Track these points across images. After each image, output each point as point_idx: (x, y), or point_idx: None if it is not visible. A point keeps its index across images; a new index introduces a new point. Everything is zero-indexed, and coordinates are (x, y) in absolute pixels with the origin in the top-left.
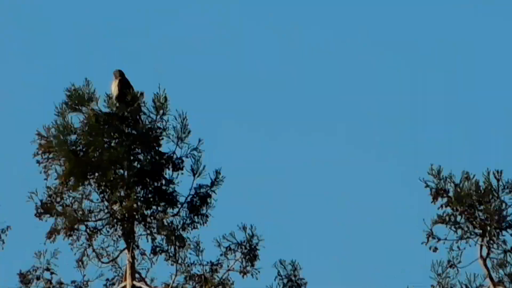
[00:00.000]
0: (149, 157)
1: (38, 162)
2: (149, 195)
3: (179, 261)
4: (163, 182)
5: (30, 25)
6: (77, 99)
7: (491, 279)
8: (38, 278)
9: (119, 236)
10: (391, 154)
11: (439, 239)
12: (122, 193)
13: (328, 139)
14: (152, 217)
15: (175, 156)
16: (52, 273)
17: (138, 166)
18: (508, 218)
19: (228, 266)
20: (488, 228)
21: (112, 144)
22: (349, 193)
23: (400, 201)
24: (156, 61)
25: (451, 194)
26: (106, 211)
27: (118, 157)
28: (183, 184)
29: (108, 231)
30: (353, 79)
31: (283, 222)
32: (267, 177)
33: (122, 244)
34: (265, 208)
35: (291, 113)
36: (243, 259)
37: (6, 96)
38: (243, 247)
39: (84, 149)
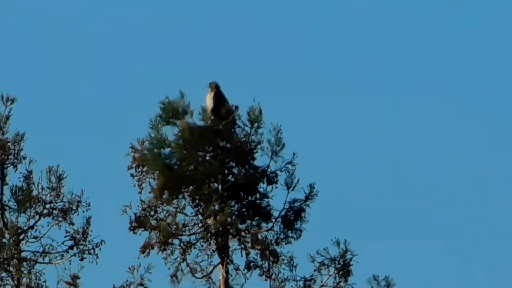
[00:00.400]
0: (243, 171)
1: (132, 175)
2: (243, 209)
3: (273, 277)
4: (258, 196)
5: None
6: (172, 112)
7: None
8: None
9: (213, 250)
10: None
11: None
12: (217, 207)
13: None
14: (246, 232)
15: (269, 170)
16: None
17: (233, 180)
18: None
19: (321, 281)
20: None
21: (207, 158)
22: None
23: None
24: (251, 74)
25: None
26: (200, 225)
27: (213, 170)
28: (277, 198)
29: (202, 246)
30: None
31: (377, 237)
32: (361, 191)
33: (216, 258)
34: (359, 223)
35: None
36: (337, 275)
37: (100, 110)
38: (337, 262)
39: (178, 163)
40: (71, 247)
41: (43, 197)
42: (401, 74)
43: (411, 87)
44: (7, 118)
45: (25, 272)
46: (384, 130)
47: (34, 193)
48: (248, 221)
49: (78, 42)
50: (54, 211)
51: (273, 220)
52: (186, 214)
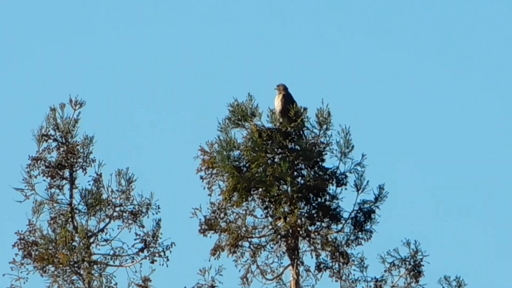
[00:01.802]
0: (312, 172)
1: (201, 177)
2: (313, 211)
3: (343, 278)
4: (327, 197)
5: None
6: (240, 114)
7: None
8: None
9: (283, 252)
10: None
11: None
12: (286, 209)
13: None
14: (316, 233)
15: (338, 172)
16: None
17: (302, 181)
18: None
19: (392, 282)
20: None
21: (276, 160)
22: None
23: None
24: (320, 74)
25: None
26: (270, 227)
27: (282, 172)
28: (347, 200)
29: (272, 248)
30: None
31: (447, 237)
32: (430, 191)
33: (286, 260)
34: (430, 223)
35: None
36: (408, 275)
37: (169, 112)
38: (407, 263)
39: (247, 165)
40: (141, 250)
41: (113, 200)
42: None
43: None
44: (76, 121)
45: (96, 275)
46: (453, 130)
47: (104, 196)
48: (318, 223)
49: (145, 43)
50: (124, 214)
51: (343, 221)
52: (255, 216)
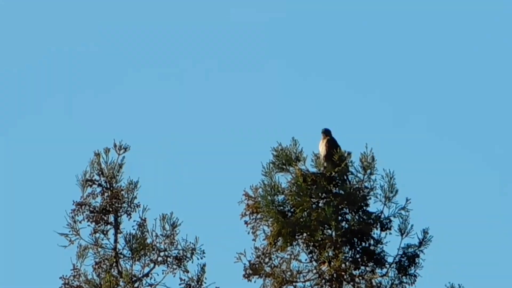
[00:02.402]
0: (357, 217)
1: (246, 222)
2: (357, 255)
3: None
4: (371, 242)
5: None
6: (284, 158)
7: None
8: None
9: None
10: None
11: None
12: (330, 253)
13: None
14: (360, 277)
15: (382, 216)
16: None
17: (346, 226)
18: None
19: None
20: None
21: (320, 204)
22: None
23: None
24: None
25: None
26: (314, 271)
27: (326, 217)
28: (391, 244)
29: None
30: None
31: (491, 282)
32: (474, 235)
33: None
34: (473, 267)
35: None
36: None
37: (212, 156)
38: None
39: (292, 210)
40: None
41: (157, 244)
42: None
43: None
44: (120, 166)
45: None
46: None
47: (148, 240)
48: (362, 267)
49: (183, 94)
50: (169, 259)
51: (387, 266)
52: (300, 261)
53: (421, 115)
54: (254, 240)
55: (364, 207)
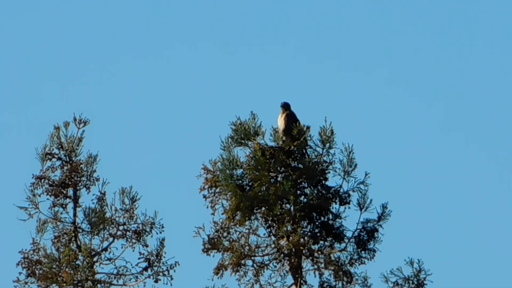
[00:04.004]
0: (315, 191)
1: (204, 196)
2: (316, 230)
3: None
4: (330, 216)
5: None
6: (243, 133)
7: None
8: None
9: (286, 271)
10: None
11: None
12: (289, 228)
13: None
14: (319, 252)
15: (341, 190)
16: None
17: (305, 200)
18: None
19: None
20: None
21: (279, 179)
22: None
23: None
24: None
25: None
26: (273, 246)
27: (285, 191)
28: (350, 219)
29: (275, 266)
30: None
31: (451, 256)
32: (434, 210)
33: (289, 279)
34: (433, 242)
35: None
36: None
37: (172, 131)
38: (411, 282)
39: (250, 184)
40: (145, 269)
41: (117, 218)
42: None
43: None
44: (80, 140)
45: None
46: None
47: (108, 215)
48: (321, 242)
49: (148, 69)
50: (128, 233)
51: (346, 240)
52: (258, 235)
53: (379, 89)
54: (213, 214)
55: (323, 181)
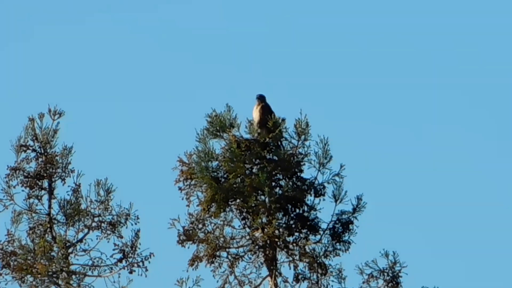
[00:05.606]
0: (290, 183)
1: (180, 188)
2: (291, 222)
3: None
4: (305, 208)
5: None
6: (218, 125)
7: None
8: None
9: (261, 263)
10: None
11: None
12: (264, 220)
13: None
14: (294, 244)
15: (316, 182)
16: None
17: (280, 192)
18: None
19: None
20: None
21: (254, 170)
22: None
23: None
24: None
25: None
26: (248, 237)
27: (260, 183)
28: (325, 211)
29: (250, 258)
30: None
31: (426, 249)
32: (409, 202)
33: (264, 271)
34: (408, 234)
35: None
36: (386, 287)
37: (147, 123)
38: (386, 274)
39: (225, 176)
40: (120, 260)
41: (92, 210)
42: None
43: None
44: (55, 131)
45: (74, 285)
46: (428, 140)
47: (83, 206)
48: (296, 234)
49: (123, 51)
50: (103, 224)
51: (321, 232)
52: (233, 227)
53: (354, 80)
54: (188, 206)
55: (298, 173)
